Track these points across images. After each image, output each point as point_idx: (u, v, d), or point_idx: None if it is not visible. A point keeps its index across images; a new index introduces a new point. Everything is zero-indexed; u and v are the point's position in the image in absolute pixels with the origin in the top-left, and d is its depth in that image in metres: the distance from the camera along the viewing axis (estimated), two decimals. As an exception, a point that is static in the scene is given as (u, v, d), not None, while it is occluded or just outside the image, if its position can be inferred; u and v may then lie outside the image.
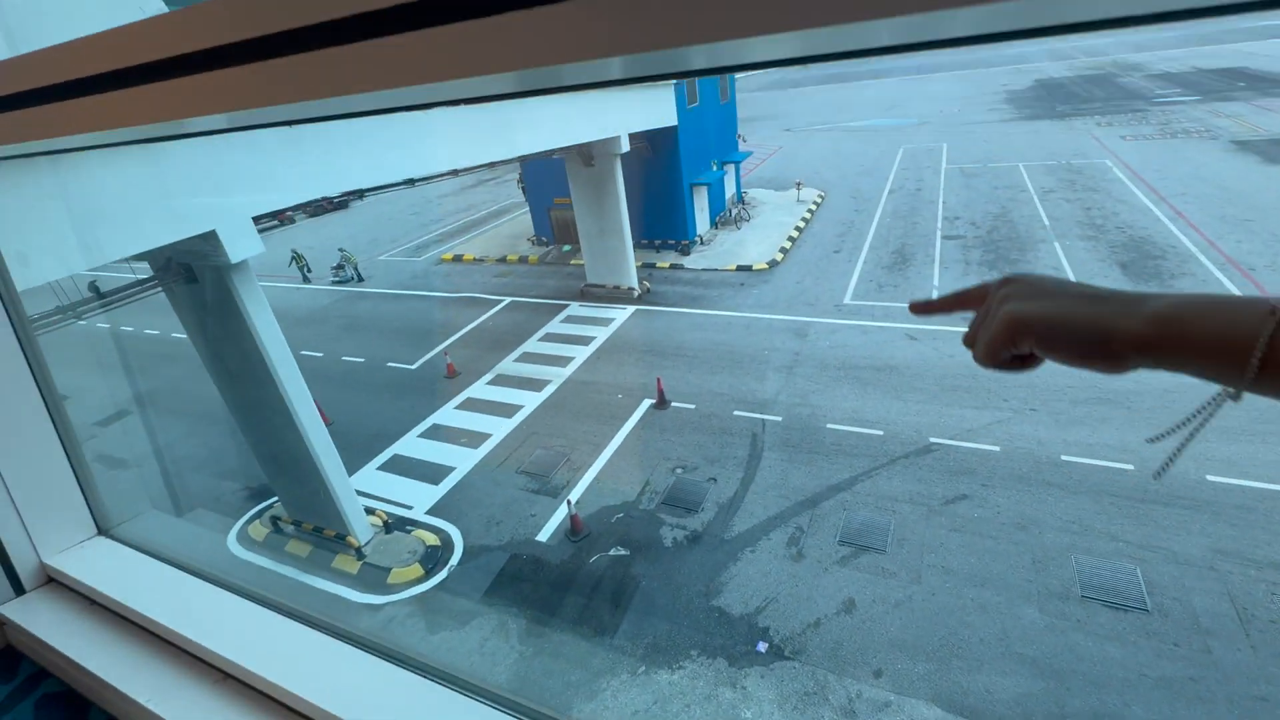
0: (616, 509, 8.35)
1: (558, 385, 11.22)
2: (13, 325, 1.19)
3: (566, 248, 18.07)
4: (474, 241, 19.79)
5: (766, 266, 15.06)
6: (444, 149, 8.33)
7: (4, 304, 1.20)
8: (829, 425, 9.37)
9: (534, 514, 8.37)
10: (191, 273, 6.10)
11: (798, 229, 16.79)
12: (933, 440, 8.72)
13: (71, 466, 1.30)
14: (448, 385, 11.57)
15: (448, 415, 10.75)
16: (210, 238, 5.76)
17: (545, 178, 17.70)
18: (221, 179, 5.41)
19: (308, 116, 0.52)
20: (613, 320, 13.49)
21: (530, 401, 10.81)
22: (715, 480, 8.63)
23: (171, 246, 5.61)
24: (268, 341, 6.81)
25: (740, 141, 20.97)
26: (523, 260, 17.65)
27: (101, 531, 1.35)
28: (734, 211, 18.37)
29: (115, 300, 6.12)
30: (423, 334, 13.72)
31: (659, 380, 10.57)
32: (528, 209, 19.43)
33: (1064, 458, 7.97)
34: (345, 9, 0.36)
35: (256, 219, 6.30)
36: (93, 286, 6.49)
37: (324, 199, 22.28)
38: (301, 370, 7.30)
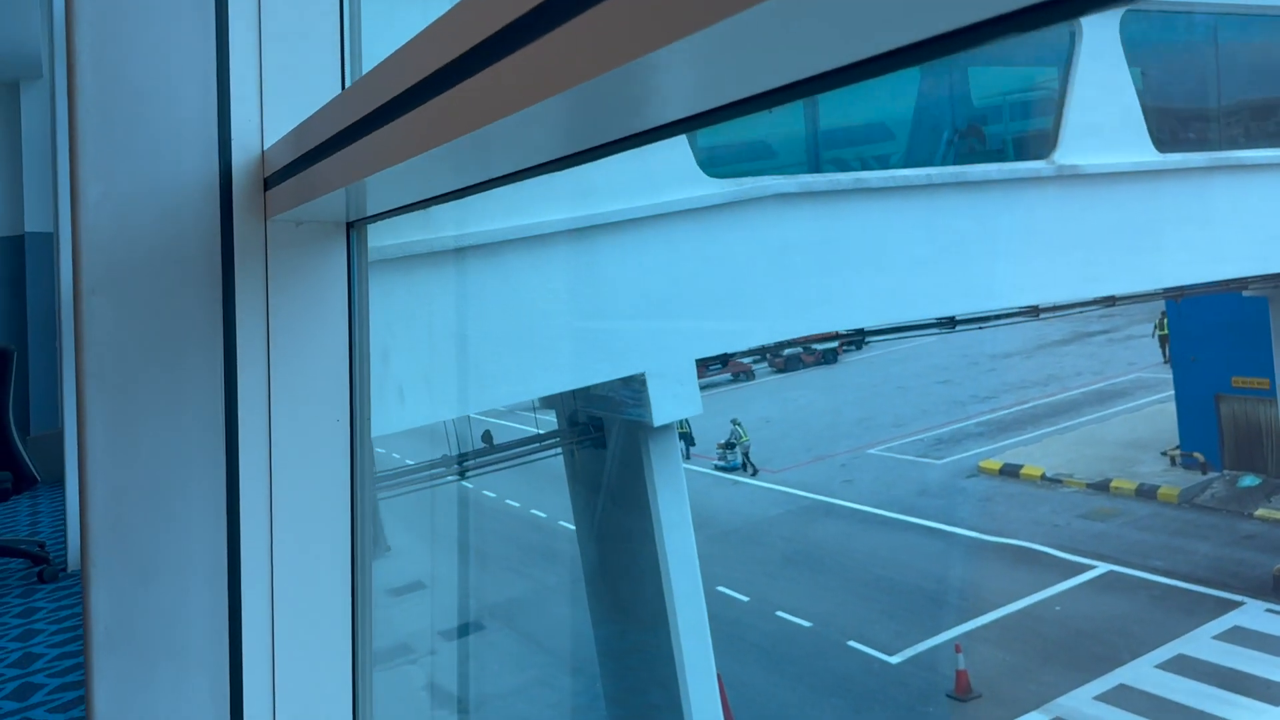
0: None
1: (1197, 782, 10.03)
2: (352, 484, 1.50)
3: (1249, 480, 16.75)
4: (1048, 444, 19.93)
5: None
6: (1023, 271, 8.70)
7: (352, 451, 1.52)
8: None
9: None
10: (601, 432, 7.43)
11: None
12: None
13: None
14: (954, 712, 11.17)
15: (942, 777, 9.81)
16: (635, 385, 6.89)
17: (1217, 333, 17.09)
18: (657, 295, 6.64)
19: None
20: (1363, 664, 11.65)
21: (1126, 802, 9.23)
22: None
23: (586, 393, 6.96)
24: (674, 560, 7.66)
25: None
26: (1145, 493, 17.04)
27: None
28: None
29: (507, 458, 7.96)
30: (920, 601, 13.98)
31: None
32: (1170, 393, 19.28)
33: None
34: None
35: (703, 366, 7.35)
36: (486, 436, 8.71)
37: (801, 346, 25.52)
38: (711, 619, 7.83)
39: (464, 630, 12.30)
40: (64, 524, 3.97)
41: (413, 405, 5.87)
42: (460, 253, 5.92)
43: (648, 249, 6.67)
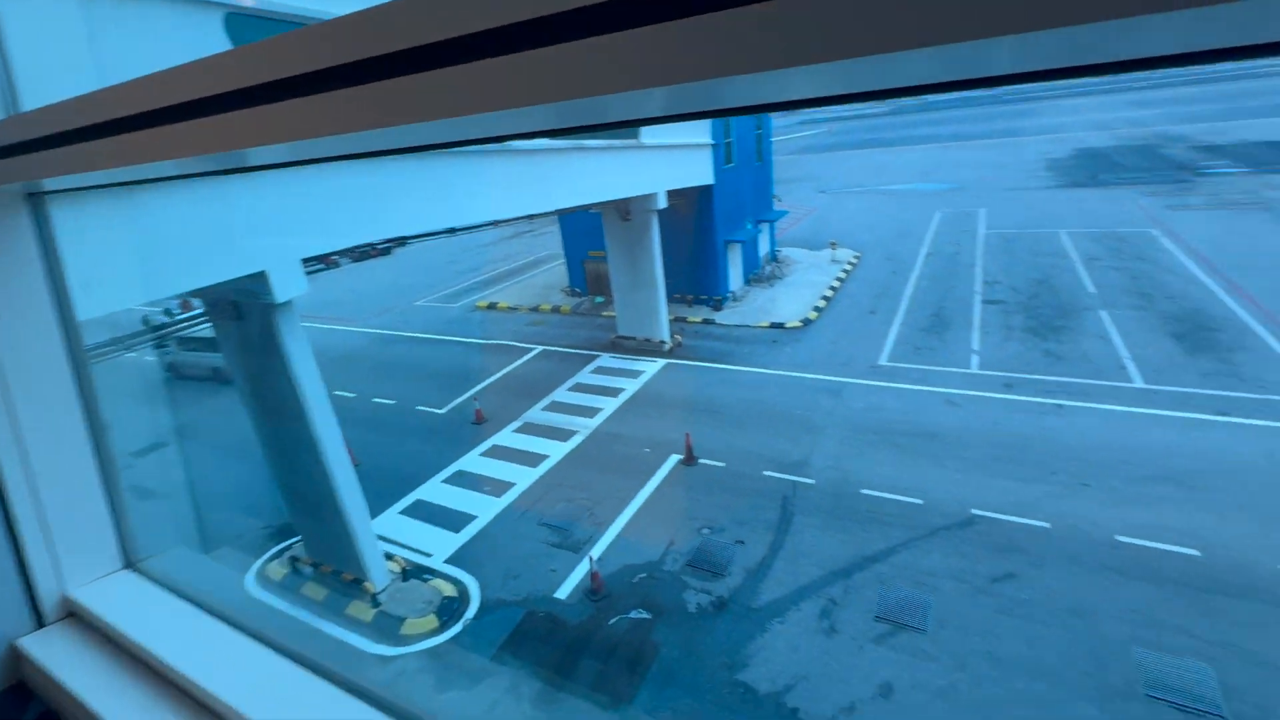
0: (639, 569, 11.96)
1: (584, 436, 17.08)
2: (69, 353, 1.73)
3: (599, 299, 28.37)
4: (508, 290, 31.32)
5: (800, 325, 23.19)
6: (485, 201, 13.17)
7: (63, 332, 1.70)
8: (864, 491, 13.44)
9: (554, 569, 12.20)
10: (239, 309, 9.37)
11: (832, 289, 26.48)
12: (975, 512, 12.42)
13: (108, 496, 1.83)
14: (475, 431, 17.73)
15: (473, 462, 16.34)
16: (260, 278, 8.69)
17: (581, 230, 28.52)
18: (276, 221, 8.42)
19: (358, 151, 0.88)
20: (642, 373, 20.80)
21: (556, 451, 16.50)
22: (743, 543, 12.29)
23: (224, 284, 8.66)
24: (304, 380, 10.02)
25: (776, 202, 32.45)
26: (555, 310, 28.05)
27: (128, 565, 1.88)
28: (768, 269, 29.21)
29: (166, 333, 9.85)
30: (453, 379, 21.43)
31: (688, 436, 15.67)
32: (563, 260, 31.48)
33: (1120, 538, 11.31)
34: (396, 43, 0.64)
35: (304, 261, 9.64)
36: (145, 321, 10.48)
37: (369, 245, 32.96)
38: (334, 410, 10.50)
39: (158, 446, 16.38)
40: None
41: (98, 299, 6.98)
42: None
43: (277, 202, 8.97)
